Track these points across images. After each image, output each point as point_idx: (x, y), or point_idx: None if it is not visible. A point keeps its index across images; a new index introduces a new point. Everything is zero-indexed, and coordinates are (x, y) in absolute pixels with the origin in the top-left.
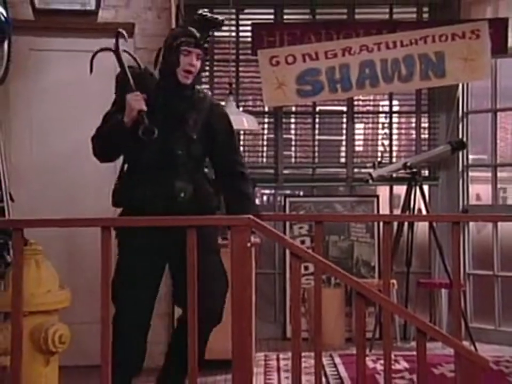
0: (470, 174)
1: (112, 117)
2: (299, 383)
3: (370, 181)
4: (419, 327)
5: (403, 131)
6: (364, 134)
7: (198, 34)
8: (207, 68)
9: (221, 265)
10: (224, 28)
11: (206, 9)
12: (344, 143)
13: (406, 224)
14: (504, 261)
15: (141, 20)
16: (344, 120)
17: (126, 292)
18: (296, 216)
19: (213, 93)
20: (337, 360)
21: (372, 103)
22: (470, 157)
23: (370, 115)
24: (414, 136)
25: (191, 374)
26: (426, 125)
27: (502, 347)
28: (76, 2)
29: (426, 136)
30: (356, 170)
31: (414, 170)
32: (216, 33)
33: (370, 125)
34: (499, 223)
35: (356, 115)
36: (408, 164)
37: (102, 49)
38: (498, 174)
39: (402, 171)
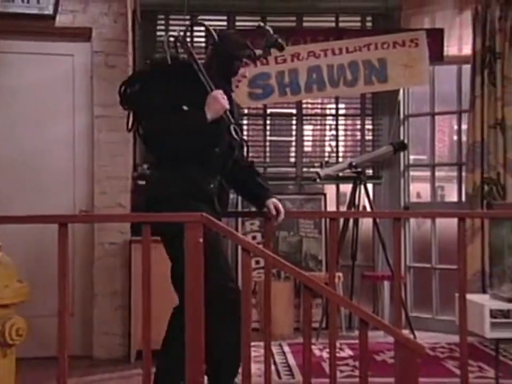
0: (411, 173)
1: (185, 113)
2: (248, 371)
3: (318, 180)
4: (362, 317)
5: (349, 133)
6: (312, 135)
7: (258, 52)
8: None
9: None
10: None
11: (272, 31)
12: (293, 143)
13: (351, 220)
14: (441, 254)
15: (98, 24)
16: (294, 122)
17: None
18: (248, 213)
19: None
20: (286, 348)
21: (319, 106)
22: (411, 157)
23: (318, 117)
24: (359, 137)
25: None
26: (370, 127)
27: (438, 334)
28: (34, 7)
29: (370, 137)
30: (304, 169)
31: (359, 169)
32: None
33: (318, 127)
34: (437, 219)
35: (304, 117)
36: (354, 164)
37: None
38: (436, 173)
39: (348, 170)
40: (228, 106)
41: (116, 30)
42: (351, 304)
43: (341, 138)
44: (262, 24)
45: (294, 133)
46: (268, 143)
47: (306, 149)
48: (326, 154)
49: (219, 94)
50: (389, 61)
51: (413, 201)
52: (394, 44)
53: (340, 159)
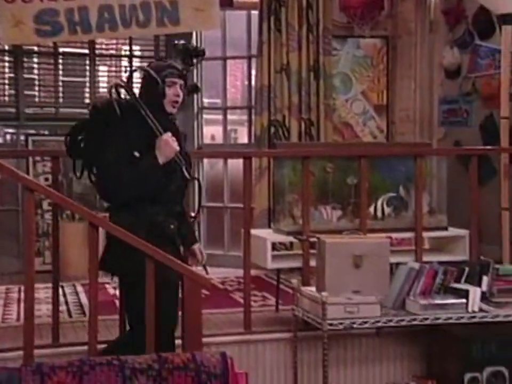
0: (204, 116)
1: (136, 160)
2: (31, 312)
3: None
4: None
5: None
6: (108, 76)
7: (180, 66)
8: None
9: None
10: None
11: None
12: (87, 84)
13: None
14: (232, 194)
15: None
16: (87, 62)
17: None
18: (34, 152)
19: None
20: (79, 289)
21: (114, 46)
22: (204, 100)
23: (113, 58)
24: None
25: None
26: None
27: (230, 269)
28: None
29: None
30: None
31: None
32: None
33: (113, 68)
34: (229, 160)
35: (98, 58)
36: None
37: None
38: (229, 117)
39: None
40: (178, 149)
41: None
42: (138, 241)
43: (137, 80)
44: (176, 42)
45: (88, 73)
46: (60, 83)
47: (101, 90)
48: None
49: (169, 137)
50: (180, 4)
51: (207, 142)
52: None
53: None
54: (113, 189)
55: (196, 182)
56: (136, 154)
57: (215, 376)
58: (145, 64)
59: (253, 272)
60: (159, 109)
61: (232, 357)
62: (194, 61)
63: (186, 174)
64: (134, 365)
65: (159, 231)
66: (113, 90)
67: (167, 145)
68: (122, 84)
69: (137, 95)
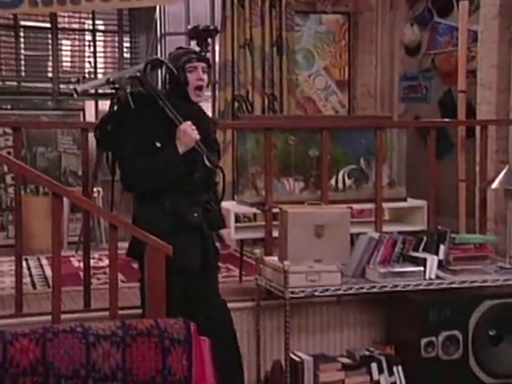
0: None
1: (158, 151)
2: None
3: (76, 96)
4: (110, 222)
5: (108, 49)
6: (71, 50)
7: (197, 49)
8: None
9: None
10: None
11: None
12: (50, 58)
13: None
14: None
15: None
16: (50, 36)
17: None
18: None
19: None
20: (44, 262)
21: (77, 20)
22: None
23: (77, 32)
24: (117, 54)
25: None
26: (128, 44)
27: None
28: None
29: (129, 55)
30: (62, 86)
31: (117, 86)
32: None
33: (76, 42)
34: None
35: (60, 31)
36: (111, 80)
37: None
38: None
39: (106, 87)
40: (197, 137)
41: None
42: (99, 209)
43: (100, 54)
44: (189, 27)
45: (50, 47)
46: (22, 57)
47: (64, 64)
48: (86, 70)
49: (188, 126)
50: None
51: None
52: None
53: (99, 76)
54: (133, 181)
55: (219, 171)
56: (158, 144)
57: (178, 342)
58: (110, 39)
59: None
60: (184, 98)
61: (195, 325)
62: (209, 40)
63: (207, 162)
64: (97, 332)
65: (183, 220)
66: (129, 82)
67: (186, 134)
68: (138, 76)
69: (160, 87)
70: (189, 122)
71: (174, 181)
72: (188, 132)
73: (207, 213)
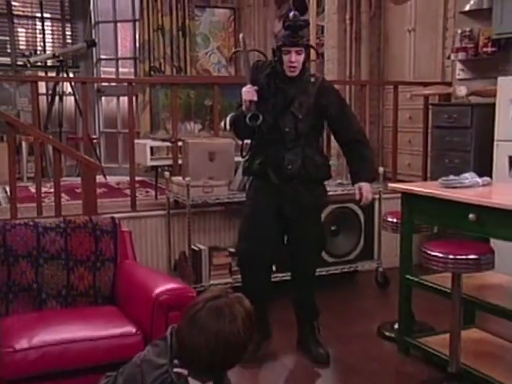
0: (102, 68)
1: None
2: None
3: (29, 65)
4: (54, 146)
5: (55, 33)
6: (26, 34)
7: (293, 36)
8: None
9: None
10: None
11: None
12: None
13: (57, 98)
14: (123, 122)
15: None
16: (6, 23)
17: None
18: None
19: None
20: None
21: (29, 9)
22: (101, 56)
23: (30, 20)
24: (61, 36)
25: None
26: (69, 28)
27: (122, 177)
28: None
29: (69, 37)
30: (19, 59)
31: (61, 59)
32: None
33: (29, 29)
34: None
35: (16, 18)
36: (57, 54)
37: (235, 52)
38: (120, 69)
39: (53, 60)
40: (250, 98)
41: None
42: (44, 136)
43: (48, 37)
44: (287, 22)
45: (8, 32)
46: None
47: (21, 43)
48: (38, 48)
49: (246, 88)
50: None
51: (105, 85)
52: None
53: (48, 52)
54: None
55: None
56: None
57: (107, 232)
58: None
59: (139, 178)
60: (282, 73)
61: (120, 220)
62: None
63: (247, 119)
64: (45, 225)
65: (251, 168)
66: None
67: (242, 95)
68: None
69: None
70: (249, 86)
71: (241, 133)
72: (242, 94)
73: (307, 165)
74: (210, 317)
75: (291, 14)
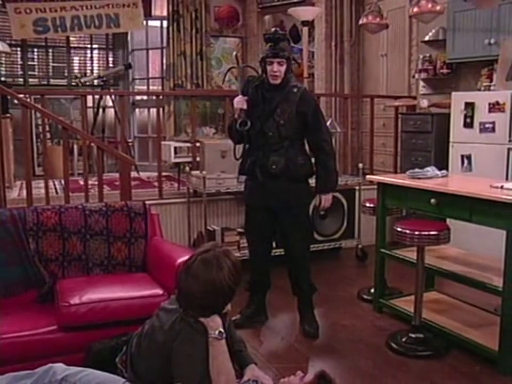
0: (136, 87)
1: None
2: None
3: (80, 85)
4: (98, 145)
5: (101, 59)
6: (79, 61)
7: (275, 49)
8: None
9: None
10: None
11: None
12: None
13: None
14: (152, 129)
15: None
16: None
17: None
18: None
19: None
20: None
21: (83, 41)
22: (136, 75)
23: (82, 50)
24: (104, 61)
25: None
26: (111, 55)
27: (151, 173)
28: None
29: (111, 59)
30: (73, 80)
31: (105, 79)
32: None
33: (82, 56)
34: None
35: (72, 49)
36: (101, 75)
37: (230, 68)
38: (151, 87)
39: (99, 80)
40: (239, 106)
41: None
42: (94, 139)
43: (95, 63)
44: (266, 36)
45: (66, 60)
46: (50, 66)
47: (75, 67)
48: (88, 71)
49: (237, 98)
50: (120, 15)
51: (138, 99)
52: (123, 5)
53: (95, 74)
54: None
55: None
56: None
57: (139, 214)
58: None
59: (165, 173)
60: (267, 82)
61: (149, 206)
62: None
63: (238, 125)
64: (91, 208)
65: (241, 167)
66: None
67: (235, 103)
68: (251, 66)
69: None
70: (240, 96)
71: (235, 138)
72: (234, 102)
73: (264, 161)
74: (200, 267)
75: (272, 29)
